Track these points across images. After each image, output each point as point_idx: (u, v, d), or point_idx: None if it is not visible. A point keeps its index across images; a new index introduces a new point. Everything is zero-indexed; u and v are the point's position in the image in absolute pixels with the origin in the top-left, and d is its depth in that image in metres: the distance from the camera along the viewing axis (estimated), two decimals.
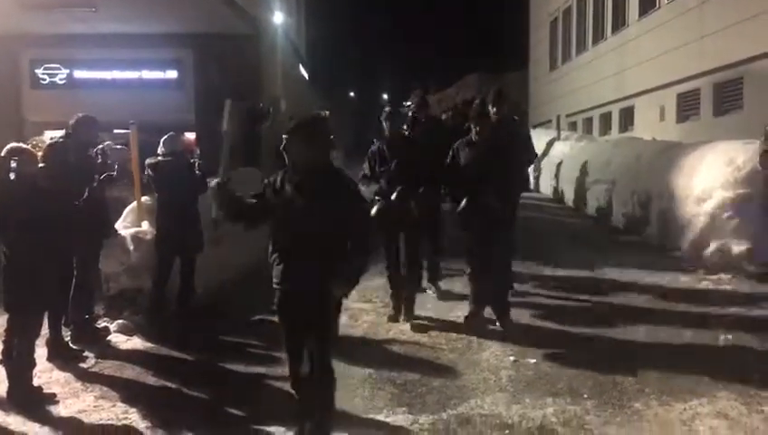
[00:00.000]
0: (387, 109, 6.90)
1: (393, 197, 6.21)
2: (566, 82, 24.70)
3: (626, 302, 7.17)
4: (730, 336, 5.83)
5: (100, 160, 6.54)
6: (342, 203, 3.90)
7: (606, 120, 21.23)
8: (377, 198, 6.28)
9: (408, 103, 8.52)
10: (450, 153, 6.44)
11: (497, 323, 6.26)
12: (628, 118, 19.42)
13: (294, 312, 3.96)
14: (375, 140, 6.70)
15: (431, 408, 4.68)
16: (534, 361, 5.51)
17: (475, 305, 6.39)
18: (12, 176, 5.07)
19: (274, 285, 3.99)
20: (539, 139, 19.16)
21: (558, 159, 16.39)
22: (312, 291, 3.85)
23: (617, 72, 19.66)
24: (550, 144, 18.34)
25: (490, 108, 6.85)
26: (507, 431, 4.31)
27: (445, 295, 7.41)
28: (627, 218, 11.07)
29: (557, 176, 15.93)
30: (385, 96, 52.20)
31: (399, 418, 4.56)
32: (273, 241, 4.00)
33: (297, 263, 3.88)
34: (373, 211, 6.04)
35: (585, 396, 4.79)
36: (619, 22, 19.79)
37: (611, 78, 20.08)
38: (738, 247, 8.02)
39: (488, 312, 6.38)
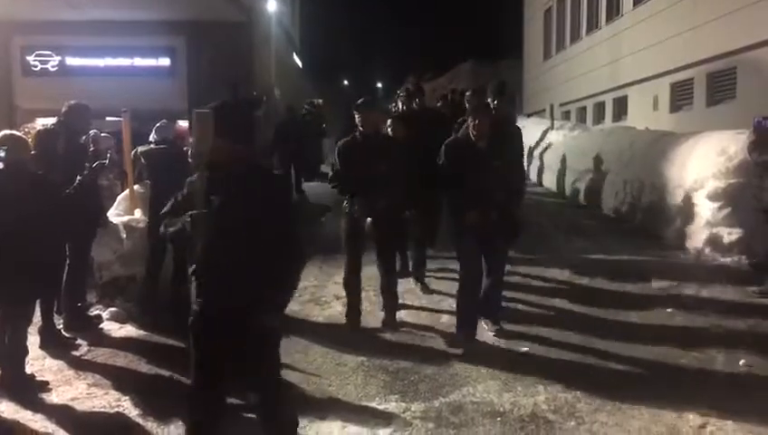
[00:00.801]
0: (360, 100, 6.04)
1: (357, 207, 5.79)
2: (560, 72, 24.68)
3: (617, 290, 7.20)
4: (722, 325, 5.86)
5: (92, 148, 6.52)
6: (263, 205, 3.27)
7: (599, 109, 21.24)
8: (345, 205, 5.93)
9: (400, 93, 8.20)
10: (442, 153, 5.61)
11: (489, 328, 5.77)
12: (621, 107, 19.44)
13: (213, 343, 3.31)
14: (356, 134, 6.03)
15: (423, 395, 4.70)
16: (526, 349, 5.54)
17: (467, 329, 5.69)
18: (0, 165, 5.05)
19: (193, 306, 3.38)
20: (534, 127, 19.22)
21: (561, 150, 16.06)
22: (235, 317, 3.25)
23: (610, 61, 19.65)
24: (544, 134, 18.34)
25: (490, 101, 6.27)
26: (499, 419, 4.34)
27: (434, 289, 7.12)
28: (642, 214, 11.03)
29: (563, 169, 15.56)
30: (379, 85, 52.06)
31: (392, 405, 4.58)
32: (192, 251, 3.41)
33: (217, 278, 3.28)
34: (367, 223, 5.77)
35: (576, 384, 4.81)
36: (613, 11, 19.77)
37: (605, 67, 20.07)
38: (730, 236, 8.07)
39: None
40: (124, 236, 7.10)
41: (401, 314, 6.36)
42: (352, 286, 6.10)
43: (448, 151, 5.57)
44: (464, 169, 5.39)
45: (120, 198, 7.74)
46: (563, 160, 15.05)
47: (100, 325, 6.42)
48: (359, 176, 5.80)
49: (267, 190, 3.36)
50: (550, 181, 15.98)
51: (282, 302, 3.42)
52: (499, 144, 5.51)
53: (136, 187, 7.56)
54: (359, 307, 6.15)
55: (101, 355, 5.73)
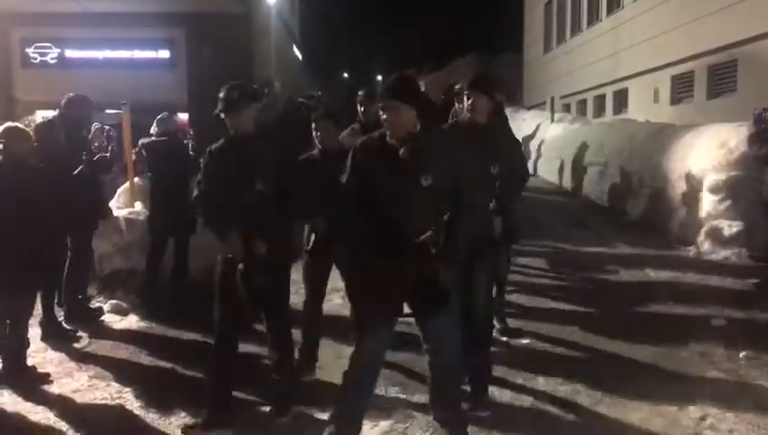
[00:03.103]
0: (221, 94, 4.15)
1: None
2: (560, 64, 24.63)
3: (618, 283, 7.22)
4: (721, 317, 5.87)
5: (105, 142, 6.56)
6: None
7: (600, 102, 21.22)
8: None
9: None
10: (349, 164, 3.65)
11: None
12: (622, 100, 19.42)
13: None
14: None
15: (424, 387, 4.68)
16: (527, 341, 5.55)
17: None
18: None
19: None
20: (533, 121, 19.22)
21: (561, 143, 15.86)
22: None
23: (611, 54, 19.62)
24: (538, 126, 18.33)
25: (465, 98, 4.59)
26: (499, 411, 4.34)
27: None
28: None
29: (562, 162, 15.51)
30: (379, 77, 51.93)
31: (392, 397, 4.58)
32: None
33: None
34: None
35: (576, 377, 4.82)
36: (614, 3, 19.72)
37: (606, 60, 20.04)
38: (730, 229, 8.07)
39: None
40: (124, 228, 7.11)
41: None
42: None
43: (351, 160, 3.65)
44: (372, 189, 3.52)
45: (120, 190, 7.74)
46: (563, 153, 15.06)
47: (101, 318, 6.43)
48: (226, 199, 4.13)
49: None
50: (549, 174, 16.00)
51: None
52: (435, 150, 3.52)
53: (136, 179, 7.56)
54: None
55: (102, 347, 5.74)
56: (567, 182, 14.46)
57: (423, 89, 7.42)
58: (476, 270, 4.18)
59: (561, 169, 15.04)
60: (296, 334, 4.96)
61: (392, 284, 3.43)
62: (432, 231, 3.43)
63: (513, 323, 5.91)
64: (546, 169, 16.29)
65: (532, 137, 17.89)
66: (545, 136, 17.18)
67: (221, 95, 4.10)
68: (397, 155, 3.46)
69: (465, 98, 4.58)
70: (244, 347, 5.61)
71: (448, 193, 3.50)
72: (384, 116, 3.49)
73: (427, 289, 3.45)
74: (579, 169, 13.60)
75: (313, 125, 4.86)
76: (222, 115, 4.12)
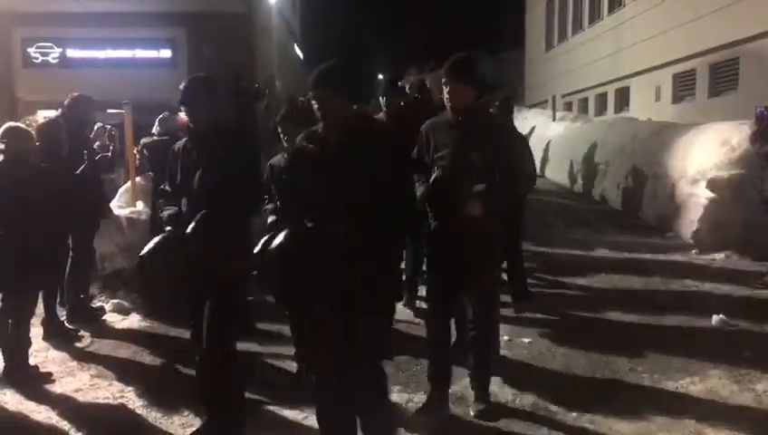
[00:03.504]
0: (183, 85, 4.00)
1: (190, 228, 3.66)
2: (562, 63, 24.61)
3: (619, 282, 7.21)
4: (723, 316, 5.86)
5: (107, 142, 6.57)
6: None
7: (602, 100, 21.21)
8: (168, 227, 3.85)
9: (402, 84, 7.84)
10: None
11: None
12: (623, 98, 19.41)
13: None
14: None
15: (425, 387, 4.69)
16: (529, 340, 5.55)
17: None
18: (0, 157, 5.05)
19: None
20: (533, 120, 19.17)
21: (563, 142, 15.89)
22: None
23: (613, 52, 19.60)
24: (533, 129, 18.30)
25: (444, 87, 4.13)
26: (501, 411, 4.34)
27: None
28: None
29: (564, 161, 15.60)
30: (380, 76, 51.86)
31: (395, 396, 4.57)
32: None
33: None
34: (149, 246, 3.76)
35: (578, 375, 4.83)
36: (615, 2, 19.71)
37: (607, 58, 20.02)
38: (731, 228, 8.06)
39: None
40: (126, 227, 7.12)
41: (398, 307, 6.33)
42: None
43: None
44: (308, 189, 3.21)
45: (121, 189, 7.75)
46: (570, 153, 15.04)
47: (103, 317, 6.43)
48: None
49: None
50: (552, 173, 15.98)
51: None
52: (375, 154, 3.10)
53: (138, 179, 7.57)
54: None
55: (104, 347, 5.75)
56: (570, 182, 14.45)
57: (429, 86, 7.45)
58: (478, 268, 4.13)
59: (569, 170, 14.93)
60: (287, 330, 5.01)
61: (314, 291, 3.09)
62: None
63: (512, 323, 5.92)
64: (552, 169, 16.25)
65: (529, 135, 17.87)
66: (550, 136, 17.13)
67: (180, 87, 3.90)
68: (322, 149, 3.15)
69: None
70: (245, 346, 5.63)
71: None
72: (315, 106, 3.16)
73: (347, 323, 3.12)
74: (586, 169, 13.57)
75: (279, 128, 4.63)
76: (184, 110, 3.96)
